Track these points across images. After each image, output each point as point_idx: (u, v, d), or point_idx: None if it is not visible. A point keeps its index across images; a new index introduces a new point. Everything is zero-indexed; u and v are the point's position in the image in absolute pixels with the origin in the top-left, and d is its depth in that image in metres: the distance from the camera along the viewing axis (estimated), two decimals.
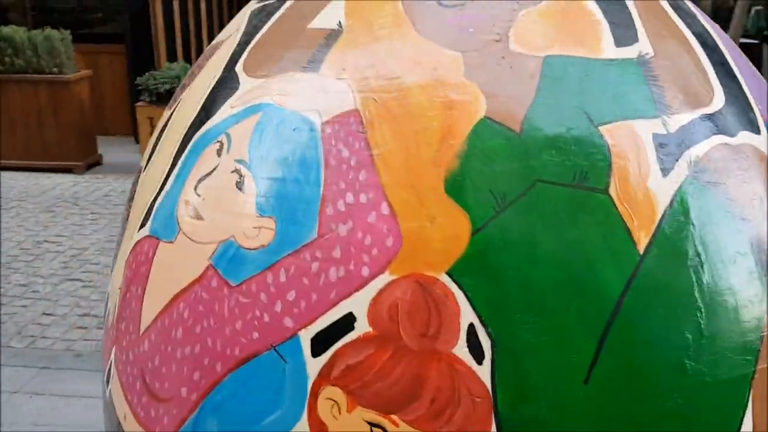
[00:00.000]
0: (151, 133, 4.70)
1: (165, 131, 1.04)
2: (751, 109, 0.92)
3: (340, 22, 0.90)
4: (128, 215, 1.09)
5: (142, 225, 1.00)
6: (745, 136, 0.88)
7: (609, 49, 0.85)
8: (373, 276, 0.78)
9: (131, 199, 1.08)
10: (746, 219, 0.83)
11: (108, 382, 1.08)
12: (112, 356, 1.05)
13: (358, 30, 0.88)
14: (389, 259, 0.78)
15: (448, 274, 0.76)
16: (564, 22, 0.87)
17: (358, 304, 0.78)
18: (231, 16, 7.90)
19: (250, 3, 1.12)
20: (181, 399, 0.89)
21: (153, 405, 0.93)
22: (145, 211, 1.00)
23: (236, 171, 0.88)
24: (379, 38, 0.87)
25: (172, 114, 1.06)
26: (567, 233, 0.77)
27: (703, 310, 0.79)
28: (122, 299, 1.02)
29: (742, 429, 0.81)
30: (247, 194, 0.86)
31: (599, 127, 0.80)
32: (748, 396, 0.82)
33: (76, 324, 3.67)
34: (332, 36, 0.89)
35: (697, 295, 0.79)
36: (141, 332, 0.96)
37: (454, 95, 0.80)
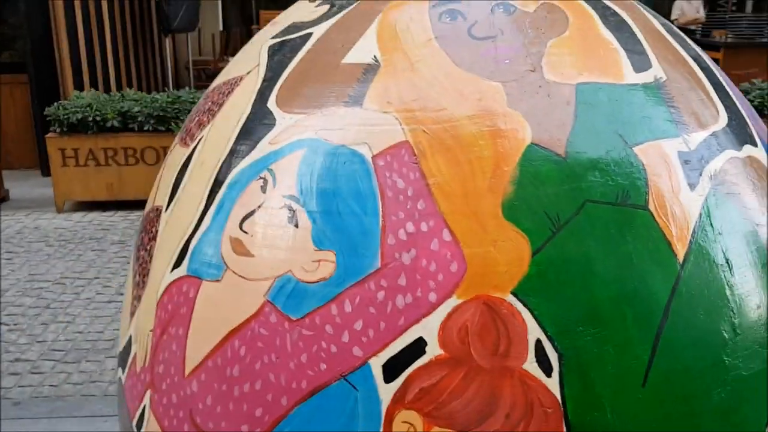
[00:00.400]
0: (64, 165, 4.53)
1: (189, 169, 1.04)
2: (747, 124, 1.01)
3: (375, 57, 0.93)
4: (148, 257, 1.07)
5: (176, 265, 0.99)
6: (747, 149, 0.97)
7: (630, 75, 0.93)
8: (440, 301, 0.81)
9: (152, 239, 1.07)
10: (760, 224, 0.92)
11: (139, 428, 1.06)
12: (146, 401, 1.03)
13: (396, 63, 0.92)
14: (456, 284, 0.81)
15: (513, 293, 0.81)
16: (587, 51, 0.93)
17: (428, 328, 0.81)
18: (139, 42, 7.74)
19: (259, 38, 1.14)
20: None
21: None
22: (178, 252, 0.99)
23: (286, 206, 0.89)
24: (419, 71, 0.91)
25: (193, 151, 1.05)
26: (617, 248, 0.83)
27: (735, 309, 0.87)
28: (157, 341, 1.00)
29: None
30: (302, 228, 0.87)
31: (633, 148, 0.87)
32: None
33: (8, 370, 3.48)
34: (370, 70, 0.93)
35: (729, 296, 0.87)
36: (186, 374, 0.95)
37: (502, 124, 0.85)
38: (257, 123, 0.97)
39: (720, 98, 1.00)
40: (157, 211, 1.10)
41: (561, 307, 0.81)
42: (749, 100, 5.91)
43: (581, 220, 0.83)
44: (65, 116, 5.77)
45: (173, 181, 1.08)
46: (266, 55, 1.05)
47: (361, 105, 0.90)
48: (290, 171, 0.91)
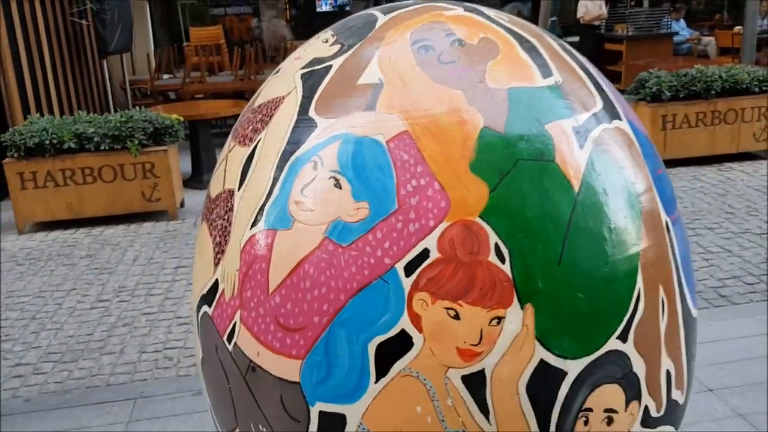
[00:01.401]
0: (23, 188, 4.94)
1: (254, 160, 1.54)
2: (615, 106, 1.59)
3: (380, 78, 1.46)
4: (227, 223, 1.57)
5: (254, 224, 1.49)
6: (615, 123, 1.54)
7: (540, 81, 1.48)
8: (436, 225, 1.34)
9: (230, 210, 1.56)
10: (624, 167, 1.49)
11: (230, 340, 1.55)
12: (236, 318, 1.52)
13: (393, 82, 1.45)
14: (445, 214, 1.35)
15: (480, 217, 1.34)
16: (512, 67, 1.49)
17: (430, 242, 1.34)
18: (75, 66, 8.03)
19: (288, 69, 1.64)
20: (314, 324, 1.40)
21: (288, 336, 1.43)
22: (255, 215, 1.49)
23: (332, 177, 1.41)
24: (409, 86, 1.44)
25: (255, 148, 1.55)
26: (539, 186, 1.38)
27: (610, 218, 1.42)
28: (244, 276, 1.50)
29: (637, 285, 1.46)
30: (345, 190, 1.39)
31: (544, 126, 1.42)
32: (638, 268, 1.46)
33: (11, 374, 3.82)
34: (377, 87, 1.45)
35: (606, 211, 1.43)
36: (270, 292, 1.45)
37: (465, 116, 1.39)
38: (304, 126, 1.48)
39: (597, 91, 1.57)
40: (230, 192, 1.59)
41: (508, 223, 1.35)
42: (648, 87, 6.68)
43: (516, 171, 1.37)
44: (22, 141, 6.04)
45: (241, 169, 1.58)
46: (300, 81, 1.57)
47: (375, 110, 1.43)
48: (332, 155, 1.42)
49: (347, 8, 14.15)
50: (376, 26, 1.59)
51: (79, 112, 6.75)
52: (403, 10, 1.63)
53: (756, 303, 4.14)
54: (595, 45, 12.13)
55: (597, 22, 12.17)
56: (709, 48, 12.47)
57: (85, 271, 5.28)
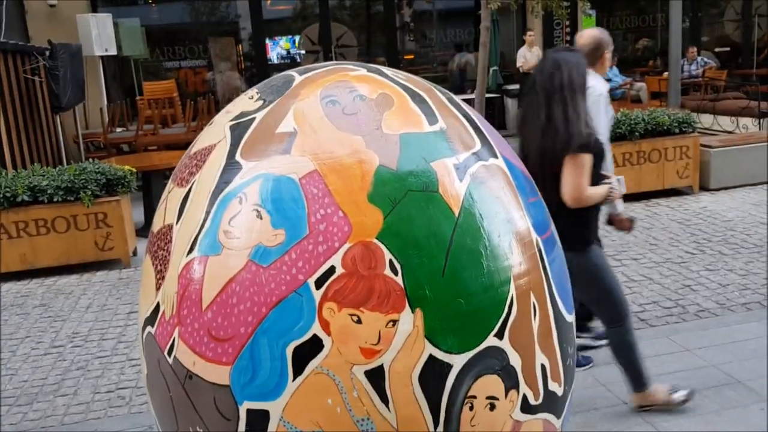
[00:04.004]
0: None
1: (189, 198, 1.82)
2: (492, 147, 1.91)
3: (294, 128, 1.77)
4: (167, 252, 1.83)
5: (189, 252, 1.76)
6: (492, 160, 1.86)
7: (427, 127, 1.80)
8: (341, 246, 1.63)
9: (169, 241, 1.83)
10: (498, 197, 1.80)
11: (170, 354, 1.79)
12: (175, 335, 1.77)
13: (305, 130, 1.75)
14: (347, 236, 1.64)
15: (377, 238, 1.64)
16: (404, 116, 1.80)
17: (336, 260, 1.63)
18: (29, 122, 8.14)
19: (218, 121, 1.94)
20: (240, 334, 1.66)
21: (219, 345, 1.69)
22: (190, 244, 1.76)
23: (255, 210, 1.69)
24: (318, 134, 1.75)
25: (191, 188, 1.83)
26: (425, 212, 1.68)
27: (485, 236, 1.73)
28: (181, 297, 1.76)
29: (510, 292, 1.76)
30: (265, 220, 1.68)
31: (430, 163, 1.74)
32: (511, 278, 1.77)
33: None
34: (292, 135, 1.76)
35: (482, 231, 1.73)
36: (203, 309, 1.72)
37: (364, 156, 1.70)
38: (232, 168, 1.77)
39: (477, 134, 1.89)
40: (169, 226, 1.86)
41: (400, 242, 1.64)
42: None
43: (406, 200, 1.67)
44: None
45: (179, 207, 1.85)
46: (229, 131, 1.86)
47: (290, 153, 1.73)
48: (254, 191, 1.71)
49: (298, 60, 14.61)
50: (293, 84, 1.91)
51: (33, 165, 6.92)
52: (315, 71, 1.95)
53: (671, 325, 4.51)
54: None
55: None
56: (641, 93, 13.20)
57: (38, 319, 5.41)
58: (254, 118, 1.85)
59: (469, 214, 1.73)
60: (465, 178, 1.76)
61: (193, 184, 1.85)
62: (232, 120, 1.90)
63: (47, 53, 8.81)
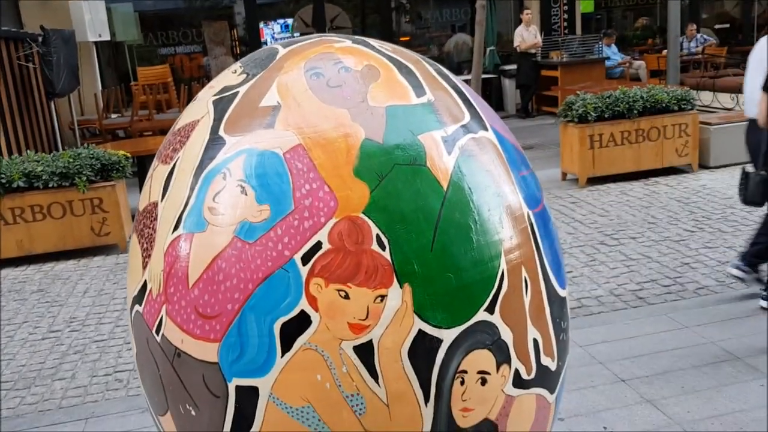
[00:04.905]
0: None
1: (174, 175, 1.78)
2: (482, 119, 1.88)
3: (278, 101, 1.73)
4: (153, 231, 1.80)
5: (175, 229, 1.73)
6: (482, 133, 1.83)
7: (414, 99, 1.77)
8: (327, 221, 1.60)
9: (155, 219, 1.80)
10: (488, 170, 1.77)
11: (158, 332, 1.77)
12: (163, 312, 1.75)
13: (290, 104, 1.72)
14: (333, 212, 1.61)
15: (363, 213, 1.61)
16: (390, 88, 1.77)
17: (322, 235, 1.60)
18: (23, 109, 8.16)
19: (202, 96, 1.90)
20: (228, 311, 1.64)
21: (206, 323, 1.67)
22: (175, 221, 1.73)
23: (239, 185, 1.66)
24: (303, 107, 1.71)
25: (174, 165, 1.80)
26: (412, 186, 1.65)
27: (474, 210, 1.70)
28: (167, 274, 1.73)
29: (501, 266, 1.73)
30: (250, 195, 1.65)
31: (417, 136, 1.70)
32: (501, 252, 1.74)
33: None
34: (276, 108, 1.72)
35: (471, 204, 1.70)
36: (190, 286, 1.69)
37: (349, 130, 1.66)
38: (215, 144, 1.74)
39: (466, 106, 1.86)
40: (154, 204, 1.83)
41: (387, 217, 1.61)
42: (575, 109, 7.09)
43: (393, 174, 1.64)
44: None
45: (163, 184, 1.82)
46: (212, 106, 1.82)
47: (274, 127, 1.70)
48: (238, 167, 1.68)
49: None
50: (277, 58, 1.87)
51: (28, 152, 6.89)
52: (300, 44, 1.91)
53: (669, 303, 4.49)
54: (533, 71, 12.68)
55: (533, 50, 12.73)
56: (640, 71, 13.12)
57: (36, 305, 5.40)
58: (237, 93, 1.81)
59: (458, 187, 1.70)
60: (454, 151, 1.73)
61: (177, 160, 1.81)
62: (215, 95, 1.86)
63: (40, 39, 8.74)
